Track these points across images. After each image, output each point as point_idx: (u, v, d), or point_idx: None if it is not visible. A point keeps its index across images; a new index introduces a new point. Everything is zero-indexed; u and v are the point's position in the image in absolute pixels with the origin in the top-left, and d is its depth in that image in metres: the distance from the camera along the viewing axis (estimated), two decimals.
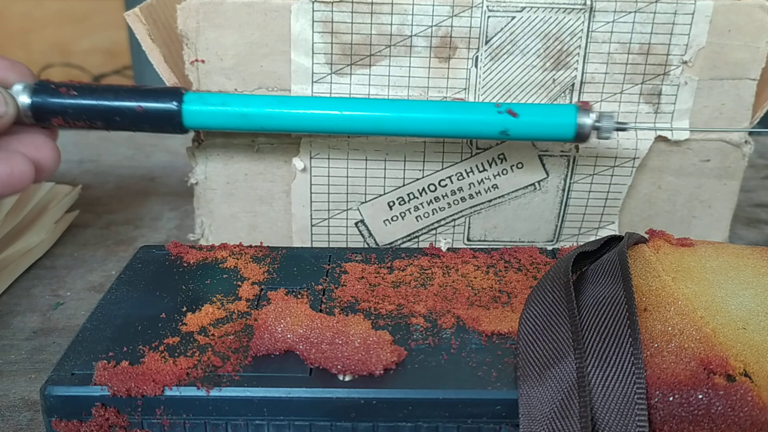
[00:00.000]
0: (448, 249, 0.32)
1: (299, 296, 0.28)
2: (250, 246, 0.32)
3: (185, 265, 0.30)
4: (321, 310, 0.27)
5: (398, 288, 0.28)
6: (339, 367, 0.23)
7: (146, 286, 0.29)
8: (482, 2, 0.33)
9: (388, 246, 0.36)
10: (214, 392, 0.23)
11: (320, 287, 0.29)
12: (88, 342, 0.25)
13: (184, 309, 0.27)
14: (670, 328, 0.24)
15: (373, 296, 0.28)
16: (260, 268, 0.30)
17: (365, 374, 0.23)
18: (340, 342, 0.24)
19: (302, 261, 0.31)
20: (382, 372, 0.23)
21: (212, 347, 0.24)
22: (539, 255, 0.31)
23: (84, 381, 0.23)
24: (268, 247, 0.32)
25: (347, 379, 0.23)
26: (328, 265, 0.30)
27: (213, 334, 0.25)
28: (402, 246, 0.37)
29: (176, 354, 0.24)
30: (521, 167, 0.35)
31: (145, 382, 0.23)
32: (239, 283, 0.29)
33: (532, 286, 0.28)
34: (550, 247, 0.32)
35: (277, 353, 0.24)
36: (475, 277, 0.29)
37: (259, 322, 0.25)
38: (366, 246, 0.36)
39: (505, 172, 0.36)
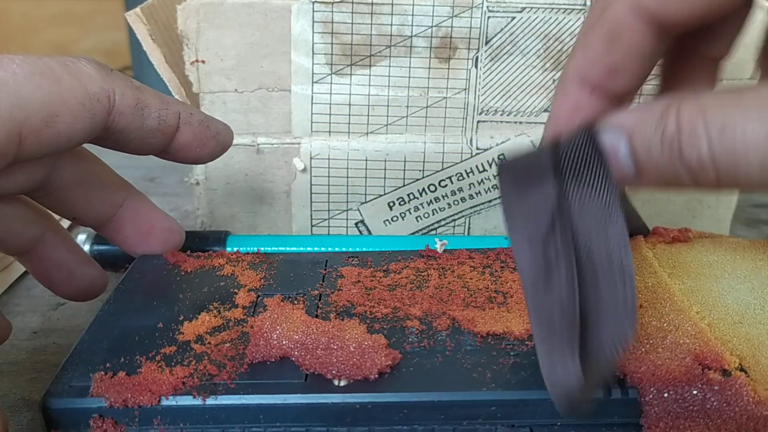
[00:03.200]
0: (445, 250, 0.32)
1: (295, 302, 0.27)
2: (247, 253, 0.32)
3: (182, 273, 0.30)
4: (317, 315, 0.27)
5: (394, 291, 0.28)
6: (334, 372, 0.23)
7: (144, 296, 0.28)
8: (482, 3, 0.33)
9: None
10: (210, 401, 0.22)
11: (316, 292, 0.28)
12: (86, 354, 0.25)
13: (181, 318, 0.27)
14: (665, 325, 0.24)
15: (369, 300, 0.28)
16: (257, 274, 0.30)
17: (360, 379, 0.23)
18: (335, 347, 0.23)
19: (299, 266, 0.30)
20: (377, 376, 0.23)
21: (208, 356, 0.24)
22: None
23: (82, 393, 0.23)
24: (265, 253, 0.32)
25: (342, 384, 0.23)
26: (325, 269, 0.30)
27: (209, 342, 0.25)
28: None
29: (173, 363, 0.24)
30: None
31: (142, 393, 0.23)
32: (236, 290, 0.29)
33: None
34: None
35: (273, 360, 0.24)
36: (470, 278, 0.29)
37: (255, 329, 0.25)
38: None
39: None
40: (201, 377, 0.23)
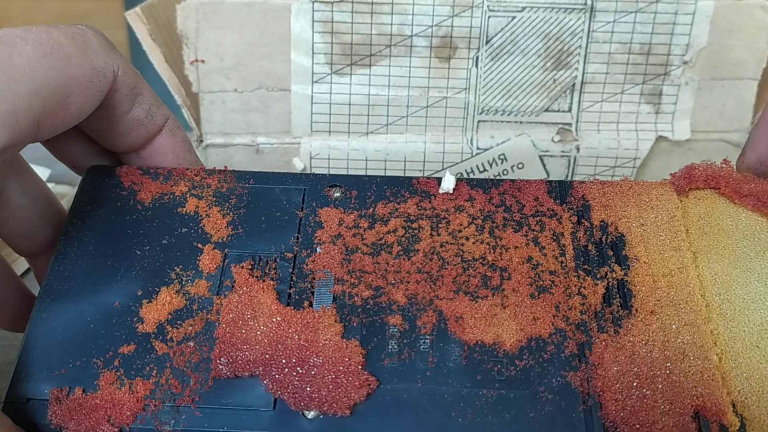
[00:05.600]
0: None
1: (266, 272, 0.25)
2: (213, 172, 0.27)
3: (139, 208, 0.26)
4: (290, 296, 0.24)
5: (378, 256, 0.25)
6: (303, 404, 0.22)
7: (96, 249, 0.25)
8: (483, 2, 0.33)
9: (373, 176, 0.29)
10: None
11: (290, 254, 0.25)
12: (40, 347, 0.23)
13: (140, 293, 0.24)
14: (673, 348, 0.22)
15: (349, 272, 0.25)
16: (223, 216, 0.26)
17: (331, 414, 0.22)
18: (307, 369, 0.22)
19: (272, 203, 0.26)
20: (349, 413, 0.22)
21: (171, 361, 0.23)
22: (547, 197, 0.26)
23: (39, 411, 0.22)
24: (232, 174, 0.27)
25: (311, 416, 0.22)
26: (301, 210, 0.26)
27: (171, 338, 0.23)
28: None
29: (132, 373, 0.23)
30: (522, 167, 0.35)
31: (101, 422, 0.22)
32: (200, 244, 0.25)
33: (530, 257, 0.25)
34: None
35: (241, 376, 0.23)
36: (467, 238, 0.25)
37: (221, 327, 0.23)
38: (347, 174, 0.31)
39: (505, 172, 0.35)
40: (163, 396, 0.22)
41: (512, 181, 0.27)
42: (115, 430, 0.22)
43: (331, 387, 0.22)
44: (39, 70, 0.23)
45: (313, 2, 0.32)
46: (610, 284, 0.24)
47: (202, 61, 0.34)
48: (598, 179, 0.27)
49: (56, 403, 0.22)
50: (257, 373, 0.22)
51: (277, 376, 0.22)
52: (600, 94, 0.35)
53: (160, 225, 0.26)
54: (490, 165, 0.35)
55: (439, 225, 0.26)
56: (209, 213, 0.26)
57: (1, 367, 0.31)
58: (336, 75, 0.34)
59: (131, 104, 0.26)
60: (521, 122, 0.35)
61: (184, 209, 0.26)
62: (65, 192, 0.45)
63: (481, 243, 0.25)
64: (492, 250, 0.25)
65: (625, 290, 0.24)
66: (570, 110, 0.35)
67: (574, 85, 0.34)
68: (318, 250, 0.25)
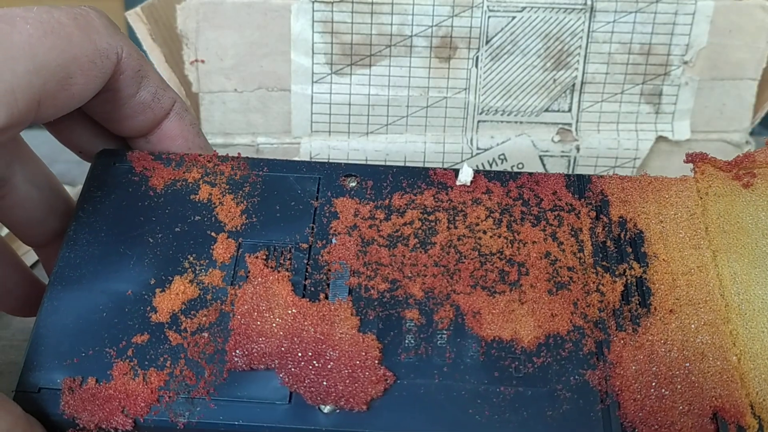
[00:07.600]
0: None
1: (281, 262, 0.24)
2: (226, 158, 0.27)
3: (151, 194, 0.26)
4: (305, 288, 0.24)
5: (394, 249, 0.24)
6: (319, 398, 0.22)
7: (107, 236, 0.25)
8: (483, 2, 0.33)
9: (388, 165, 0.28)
10: (189, 424, 0.21)
11: (305, 245, 0.25)
12: (51, 336, 0.23)
13: (153, 282, 0.24)
14: (692, 348, 0.22)
15: (365, 264, 0.24)
16: (237, 204, 0.26)
17: (348, 409, 0.21)
18: (323, 362, 0.22)
19: (286, 192, 0.26)
20: (365, 408, 0.21)
21: (185, 351, 0.23)
22: (565, 191, 0.26)
23: (51, 401, 0.22)
24: (246, 161, 0.27)
25: (327, 410, 0.22)
26: (316, 200, 0.26)
27: (185, 329, 0.23)
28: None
29: (146, 363, 0.22)
30: (522, 167, 0.35)
31: (114, 413, 0.21)
32: (213, 233, 0.25)
33: (549, 252, 0.24)
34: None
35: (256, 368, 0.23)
36: (484, 232, 0.25)
37: (236, 319, 0.23)
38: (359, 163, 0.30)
39: None
40: (177, 387, 0.22)
41: (530, 174, 0.26)
42: (129, 421, 0.21)
43: (347, 381, 0.22)
44: (39, 49, 0.22)
45: (313, 2, 0.32)
46: (629, 282, 0.24)
47: (202, 61, 0.34)
48: (617, 174, 0.26)
49: (69, 392, 0.22)
50: (273, 365, 0.22)
51: (293, 369, 0.22)
52: (600, 94, 0.35)
53: (172, 212, 0.25)
54: (490, 165, 0.35)
55: (456, 218, 0.25)
56: (223, 201, 0.26)
57: (1, 367, 0.31)
58: (336, 75, 0.34)
59: (137, 87, 0.26)
60: (521, 122, 0.35)
61: (197, 196, 0.26)
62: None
63: (499, 237, 0.25)
64: (510, 245, 0.25)
65: (644, 288, 0.24)
66: (570, 110, 0.35)
67: (574, 85, 0.34)
68: (333, 241, 0.25)
